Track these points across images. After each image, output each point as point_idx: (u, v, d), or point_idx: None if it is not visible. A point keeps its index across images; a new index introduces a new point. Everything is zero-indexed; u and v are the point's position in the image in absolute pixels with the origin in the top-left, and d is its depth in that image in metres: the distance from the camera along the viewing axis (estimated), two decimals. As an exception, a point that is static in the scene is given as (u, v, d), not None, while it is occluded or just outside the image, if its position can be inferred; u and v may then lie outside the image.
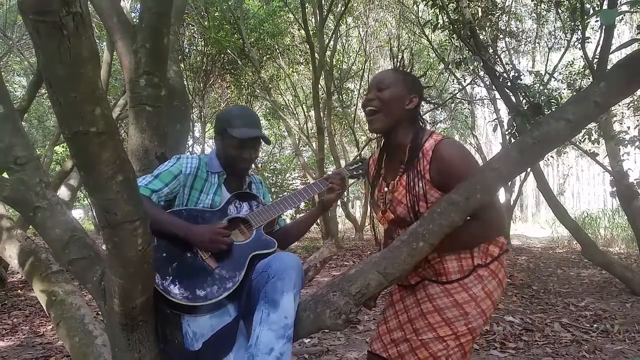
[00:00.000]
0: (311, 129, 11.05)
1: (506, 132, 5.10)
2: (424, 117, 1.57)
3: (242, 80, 10.49)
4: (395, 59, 1.54)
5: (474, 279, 1.39)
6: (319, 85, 8.24)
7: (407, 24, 10.84)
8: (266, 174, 11.04)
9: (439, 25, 4.98)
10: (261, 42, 9.45)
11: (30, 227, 4.74)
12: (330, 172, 1.82)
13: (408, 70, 1.54)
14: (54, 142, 7.17)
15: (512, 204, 10.49)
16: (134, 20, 5.08)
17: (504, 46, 9.25)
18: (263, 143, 1.76)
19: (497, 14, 6.25)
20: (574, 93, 6.33)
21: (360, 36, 11.73)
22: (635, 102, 6.79)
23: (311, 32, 7.74)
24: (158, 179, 1.60)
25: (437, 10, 4.93)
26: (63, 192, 5.73)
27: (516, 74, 4.43)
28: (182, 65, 8.44)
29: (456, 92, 9.05)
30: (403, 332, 1.45)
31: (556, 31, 9.07)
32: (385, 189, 1.51)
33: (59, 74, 0.84)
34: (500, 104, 9.88)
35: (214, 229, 1.55)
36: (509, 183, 9.45)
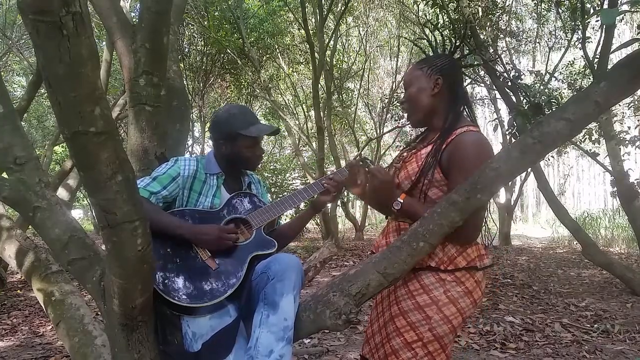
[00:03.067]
0: (311, 129, 11.04)
1: (507, 132, 5.10)
2: (466, 98, 1.52)
3: (242, 80, 10.48)
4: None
5: (435, 282, 1.36)
6: (319, 85, 8.23)
7: (407, 24, 10.84)
8: (266, 174, 11.02)
9: (439, 25, 4.98)
10: (261, 41, 9.44)
11: (30, 227, 4.74)
12: (329, 172, 1.81)
13: (436, 52, 1.56)
14: (53, 142, 7.17)
15: (512, 204, 10.50)
16: (134, 19, 5.08)
17: (505, 46, 9.25)
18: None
19: (498, 14, 6.24)
20: (575, 93, 6.32)
21: (360, 36, 11.72)
22: (636, 102, 6.79)
23: (311, 32, 7.73)
24: (156, 181, 1.59)
25: (437, 9, 4.93)
26: (62, 192, 5.72)
27: (517, 74, 4.43)
28: (182, 65, 8.44)
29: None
30: (381, 337, 1.44)
31: (556, 31, 9.07)
32: (405, 154, 1.54)
33: (58, 74, 0.84)
34: (501, 104, 9.91)
35: (221, 227, 1.55)
36: (510, 183, 9.45)
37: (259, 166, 1.95)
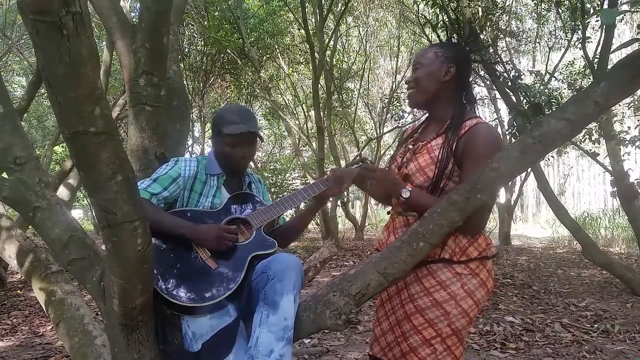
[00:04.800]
0: (311, 129, 11.04)
1: (507, 132, 5.10)
2: (472, 93, 1.52)
3: (242, 80, 10.48)
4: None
5: (452, 277, 1.36)
6: (319, 85, 8.23)
7: (407, 24, 10.84)
8: (266, 174, 11.02)
9: (439, 25, 4.97)
10: (261, 41, 9.43)
11: (30, 227, 4.74)
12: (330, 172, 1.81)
13: (455, 40, 1.54)
14: (53, 142, 7.17)
15: (512, 204, 10.49)
16: (134, 19, 5.07)
17: (505, 46, 9.25)
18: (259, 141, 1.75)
19: (498, 14, 6.24)
20: (575, 93, 6.32)
21: (360, 36, 11.72)
22: (636, 102, 6.79)
23: (311, 32, 7.73)
24: (157, 182, 1.59)
25: (437, 9, 4.92)
26: (62, 192, 5.72)
27: (517, 74, 4.43)
28: (182, 65, 8.43)
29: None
30: (394, 335, 1.43)
31: (556, 31, 9.07)
32: (411, 146, 1.51)
33: (58, 74, 0.84)
34: (501, 104, 9.90)
35: (221, 226, 1.55)
36: (510, 183, 9.45)
37: (259, 166, 1.95)
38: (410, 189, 1.37)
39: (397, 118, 10.78)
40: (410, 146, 1.52)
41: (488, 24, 5.75)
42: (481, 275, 1.39)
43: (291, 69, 10.96)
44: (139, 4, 2.44)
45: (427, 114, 1.57)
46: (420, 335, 1.35)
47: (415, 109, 1.82)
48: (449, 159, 1.38)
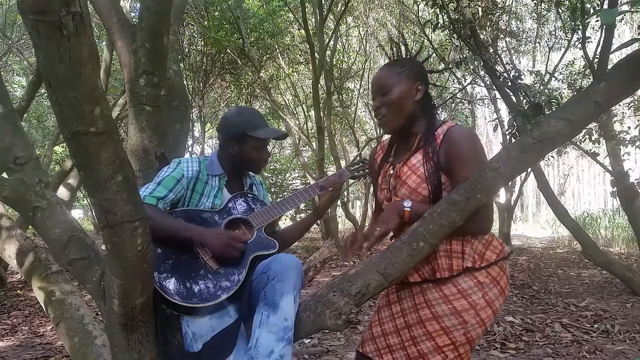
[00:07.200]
0: (311, 129, 11.03)
1: (506, 132, 5.10)
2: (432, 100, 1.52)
3: (242, 80, 10.48)
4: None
5: (474, 286, 1.34)
6: (319, 85, 8.22)
7: (407, 24, 10.84)
8: (266, 174, 11.03)
9: (439, 25, 4.98)
10: (261, 41, 9.43)
11: (30, 227, 4.74)
12: (330, 173, 1.83)
13: (406, 56, 1.51)
14: (53, 142, 7.16)
15: (512, 204, 10.49)
16: (134, 19, 5.07)
17: (505, 46, 9.25)
18: None
19: (498, 14, 6.25)
20: (575, 93, 6.32)
21: (360, 36, 11.72)
22: (636, 102, 6.79)
23: (311, 32, 7.72)
24: (161, 185, 1.59)
25: (437, 9, 4.93)
26: (62, 192, 5.72)
27: (517, 74, 4.43)
28: (182, 65, 8.43)
29: (456, 91, 9.05)
30: (400, 339, 1.40)
31: (556, 31, 9.07)
32: (391, 171, 1.49)
33: (58, 74, 0.84)
34: (501, 104, 9.89)
35: (231, 234, 1.55)
36: (510, 183, 9.45)
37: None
38: (408, 200, 1.38)
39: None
40: (391, 171, 1.48)
41: (488, 24, 5.75)
42: (501, 283, 1.38)
43: (291, 69, 10.95)
44: (139, 4, 2.44)
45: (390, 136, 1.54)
46: (433, 342, 1.33)
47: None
48: (438, 172, 1.37)
